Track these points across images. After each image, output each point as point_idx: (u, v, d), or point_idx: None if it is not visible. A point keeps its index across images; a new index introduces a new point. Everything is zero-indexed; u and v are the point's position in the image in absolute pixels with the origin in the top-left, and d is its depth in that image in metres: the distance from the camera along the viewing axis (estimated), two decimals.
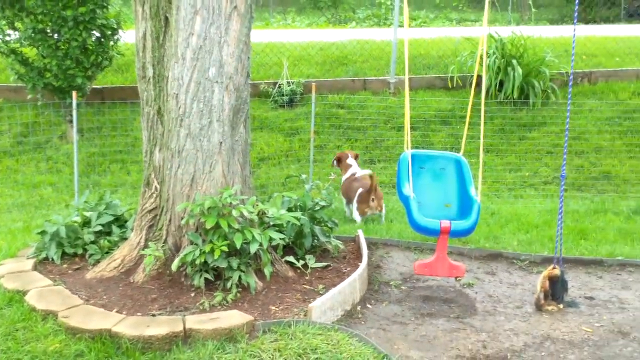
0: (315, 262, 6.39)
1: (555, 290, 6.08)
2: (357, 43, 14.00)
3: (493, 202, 9.83)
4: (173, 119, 5.74)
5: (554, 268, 6.05)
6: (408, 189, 6.21)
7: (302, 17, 23.20)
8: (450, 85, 12.40)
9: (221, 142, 5.74)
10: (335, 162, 9.21)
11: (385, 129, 11.67)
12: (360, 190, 8.46)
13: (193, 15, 5.55)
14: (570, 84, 6.32)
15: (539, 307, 6.04)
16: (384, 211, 8.54)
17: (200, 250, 5.57)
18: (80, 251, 6.50)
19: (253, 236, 5.56)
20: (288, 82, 12.19)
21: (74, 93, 9.47)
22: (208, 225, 5.50)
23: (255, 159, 11.09)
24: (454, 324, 5.71)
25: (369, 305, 5.97)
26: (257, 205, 5.84)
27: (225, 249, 5.53)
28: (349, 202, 8.75)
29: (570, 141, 11.27)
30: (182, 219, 5.78)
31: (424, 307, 6.01)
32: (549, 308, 6.03)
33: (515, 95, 11.74)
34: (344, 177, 8.92)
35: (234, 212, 5.57)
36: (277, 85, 12.25)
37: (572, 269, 7.04)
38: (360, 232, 7.15)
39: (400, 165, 6.44)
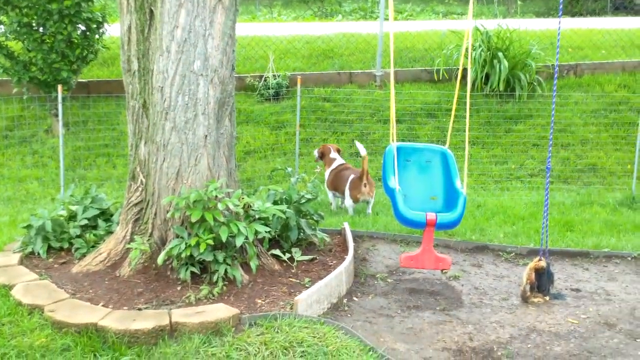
0: (302, 255, 6.39)
1: (541, 282, 6.11)
2: (342, 36, 13.98)
3: (479, 194, 9.86)
4: (158, 112, 5.71)
5: (539, 260, 6.08)
6: (393, 182, 6.22)
7: (289, 10, 23.14)
8: (436, 78, 12.41)
9: (206, 136, 5.72)
10: (318, 155, 9.22)
11: (372, 122, 11.67)
12: (352, 176, 8.49)
13: (178, 7, 5.53)
14: (556, 76, 6.34)
15: (525, 299, 6.07)
16: (373, 199, 8.57)
17: (186, 243, 5.55)
18: (66, 245, 6.48)
19: (239, 229, 5.54)
20: (274, 76, 12.16)
21: (59, 87, 9.41)
22: (193, 219, 5.48)
23: (241, 152, 11.06)
24: (440, 316, 5.74)
25: (355, 298, 5.98)
26: (242, 198, 5.83)
27: (211, 242, 5.52)
28: (337, 192, 8.78)
29: (556, 133, 11.32)
30: (167, 212, 5.76)
31: (410, 300, 6.03)
32: (535, 300, 6.06)
33: (501, 88, 11.77)
34: (329, 169, 8.91)
35: (220, 206, 5.55)
36: (263, 79, 12.22)
37: (558, 261, 7.08)
38: (346, 225, 7.15)
39: (386, 158, 6.44)
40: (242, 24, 16.95)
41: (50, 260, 6.32)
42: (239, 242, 5.55)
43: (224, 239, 5.49)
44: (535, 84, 12.14)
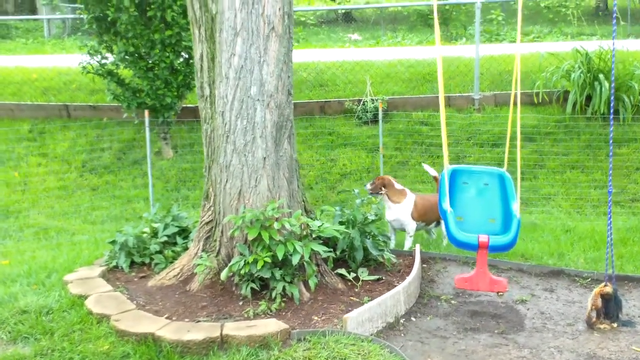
0: (368, 275, 6.51)
1: (609, 308, 5.94)
2: (443, 60, 13.93)
3: (573, 219, 9.61)
4: (220, 135, 6.04)
5: (605, 285, 5.93)
6: (447, 204, 6.24)
7: (413, 34, 23.16)
8: (535, 101, 12.19)
9: (265, 158, 5.99)
10: (379, 187, 7.85)
11: (468, 146, 11.62)
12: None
13: (234, 36, 5.84)
14: (612, 91, 6.18)
15: (590, 325, 5.93)
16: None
17: (245, 260, 5.81)
18: (147, 260, 6.92)
19: (294, 248, 5.75)
20: (372, 99, 12.33)
21: (146, 112, 10.00)
22: (250, 237, 5.75)
23: (337, 174, 11.30)
24: (497, 339, 5.69)
25: (413, 318, 6.03)
26: (300, 218, 6.02)
27: (268, 260, 5.75)
28: (430, 224, 8.13)
29: None
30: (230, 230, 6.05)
31: (469, 322, 6.01)
32: (601, 326, 5.91)
33: (604, 110, 11.42)
34: (409, 200, 7.87)
35: (276, 225, 5.78)
36: (361, 103, 12.41)
37: (638, 287, 6.85)
38: (417, 247, 7.20)
39: (441, 181, 6.49)
40: (366, 49, 17.34)
41: (132, 274, 6.75)
42: (295, 260, 5.75)
43: (280, 257, 5.71)
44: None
